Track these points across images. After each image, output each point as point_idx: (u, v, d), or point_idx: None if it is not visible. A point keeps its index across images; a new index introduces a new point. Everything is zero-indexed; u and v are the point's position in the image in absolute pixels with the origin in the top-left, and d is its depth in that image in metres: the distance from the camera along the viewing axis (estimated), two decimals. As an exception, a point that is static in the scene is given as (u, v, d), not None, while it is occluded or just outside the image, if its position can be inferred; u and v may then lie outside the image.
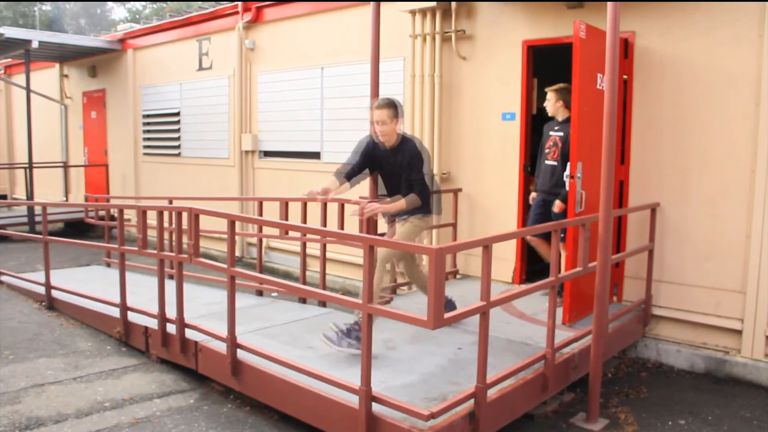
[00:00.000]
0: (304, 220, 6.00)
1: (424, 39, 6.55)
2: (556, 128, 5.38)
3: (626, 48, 5.22)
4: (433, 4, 6.31)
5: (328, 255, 6.06)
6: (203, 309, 5.41)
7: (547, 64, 6.25)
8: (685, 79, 5.01)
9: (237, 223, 4.38)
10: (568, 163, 4.79)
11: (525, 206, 5.96)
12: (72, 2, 34.57)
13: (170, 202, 7.57)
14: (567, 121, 5.21)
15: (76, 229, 11.86)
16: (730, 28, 4.77)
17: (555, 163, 5.29)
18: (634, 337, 5.20)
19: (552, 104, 5.36)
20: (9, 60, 13.24)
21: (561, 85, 5.30)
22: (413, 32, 6.62)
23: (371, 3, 5.26)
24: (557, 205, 5.15)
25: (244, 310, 5.28)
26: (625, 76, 5.24)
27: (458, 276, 6.45)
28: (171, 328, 4.75)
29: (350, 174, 4.42)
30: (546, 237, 5.39)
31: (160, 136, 10.66)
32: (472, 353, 3.79)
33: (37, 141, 11.28)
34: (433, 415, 3.09)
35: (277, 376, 3.83)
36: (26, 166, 11.13)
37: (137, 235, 5.22)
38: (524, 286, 4.70)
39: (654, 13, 5.13)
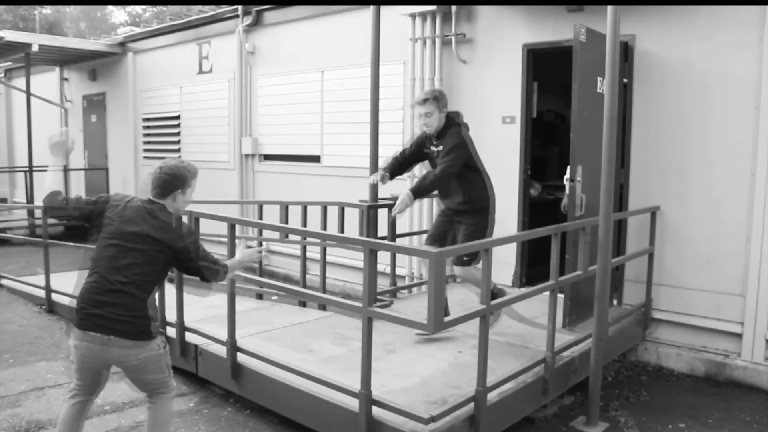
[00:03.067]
0: (305, 224, 6.00)
1: (424, 42, 6.56)
2: (436, 144, 4.49)
3: (626, 51, 5.23)
4: (433, 7, 6.32)
5: (329, 258, 6.06)
6: (203, 312, 5.39)
7: (547, 67, 6.25)
8: (686, 82, 5.02)
9: (237, 227, 4.38)
10: (568, 167, 4.77)
11: (525, 209, 5.97)
12: (72, 5, 34.60)
13: (170, 206, 7.55)
14: (444, 132, 4.42)
15: (76, 232, 11.83)
16: (730, 31, 4.78)
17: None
18: (634, 341, 5.20)
19: (437, 118, 4.39)
20: (9, 63, 13.24)
21: (436, 91, 4.46)
22: (413, 36, 6.63)
23: (371, 6, 5.26)
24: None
25: (244, 313, 5.26)
26: (625, 80, 5.24)
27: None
28: (171, 332, 4.74)
29: None
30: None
31: (160, 139, 10.65)
32: (472, 357, 3.79)
33: (38, 144, 11.27)
34: (433, 419, 3.09)
35: (277, 380, 3.82)
36: (26, 169, 11.13)
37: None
38: (524, 290, 4.70)
39: (654, 16, 5.14)
